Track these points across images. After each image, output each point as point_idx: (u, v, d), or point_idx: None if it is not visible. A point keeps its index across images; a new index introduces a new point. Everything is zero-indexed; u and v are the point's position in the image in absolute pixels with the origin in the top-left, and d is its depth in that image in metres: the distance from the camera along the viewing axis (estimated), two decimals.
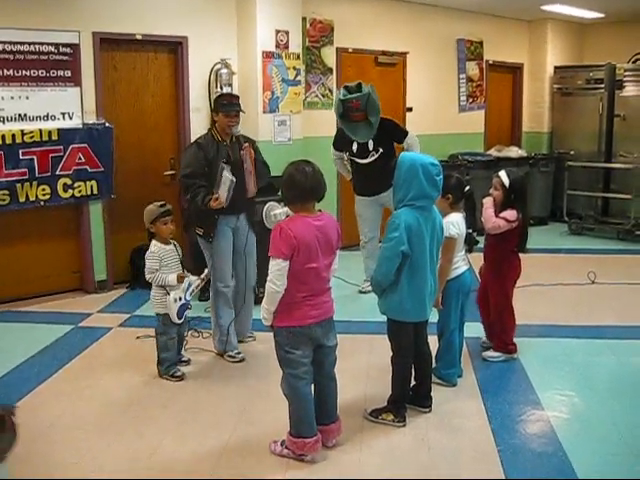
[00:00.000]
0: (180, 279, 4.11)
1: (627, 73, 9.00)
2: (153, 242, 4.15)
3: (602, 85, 9.22)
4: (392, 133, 5.79)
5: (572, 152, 9.57)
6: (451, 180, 3.88)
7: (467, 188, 4.01)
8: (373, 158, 5.70)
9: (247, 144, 4.44)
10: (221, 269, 4.45)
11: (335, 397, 3.34)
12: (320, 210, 3.21)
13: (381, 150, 5.68)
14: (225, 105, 4.37)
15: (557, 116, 9.97)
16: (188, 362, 4.38)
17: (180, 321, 4.14)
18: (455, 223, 3.91)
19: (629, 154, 8.99)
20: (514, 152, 9.36)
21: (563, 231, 9.02)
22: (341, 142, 5.91)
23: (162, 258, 4.09)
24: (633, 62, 9.42)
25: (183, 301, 4.13)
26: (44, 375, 4.20)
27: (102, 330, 5.07)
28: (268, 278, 3.06)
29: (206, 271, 4.33)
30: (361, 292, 6.06)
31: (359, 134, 5.56)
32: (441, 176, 3.41)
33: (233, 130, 4.41)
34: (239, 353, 4.49)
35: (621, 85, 9.04)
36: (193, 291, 4.21)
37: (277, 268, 3.02)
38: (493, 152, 9.35)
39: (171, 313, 4.09)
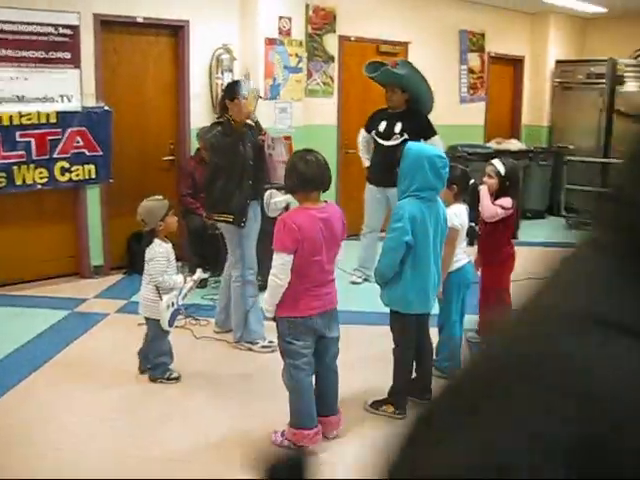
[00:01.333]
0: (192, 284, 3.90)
1: (628, 69, 8.99)
2: (157, 242, 3.79)
3: (603, 80, 9.18)
4: (422, 127, 5.79)
5: (571, 146, 9.55)
6: (457, 171, 3.84)
7: (472, 181, 3.98)
8: (396, 142, 5.66)
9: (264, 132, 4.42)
10: (251, 255, 4.36)
11: (336, 389, 3.31)
12: (326, 201, 3.17)
13: (405, 136, 5.66)
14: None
15: (557, 110, 9.94)
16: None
17: (171, 329, 3.85)
18: (458, 214, 3.88)
19: None
20: (514, 145, 9.33)
21: (561, 225, 9.01)
22: (372, 120, 5.92)
23: (169, 258, 3.81)
24: (634, 58, 9.40)
25: (176, 306, 3.84)
26: (39, 361, 4.14)
27: (99, 316, 5.02)
28: (271, 272, 3.02)
29: (198, 272, 4.06)
30: (353, 283, 6.00)
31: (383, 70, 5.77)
32: (447, 169, 3.37)
33: (252, 116, 4.35)
34: (272, 342, 4.19)
35: (622, 81, 9.03)
36: (186, 295, 3.94)
37: (281, 262, 2.98)
38: (493, 144, 9.30)
39: (162, 320, 3.75)
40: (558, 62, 9.83)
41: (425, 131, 5.80)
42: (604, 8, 9.11)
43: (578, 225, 8.92)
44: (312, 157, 3.09)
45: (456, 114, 9.11)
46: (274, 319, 3.16)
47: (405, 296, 3.40)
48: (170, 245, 3.87)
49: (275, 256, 3.01)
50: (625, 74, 8.98)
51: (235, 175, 4.19)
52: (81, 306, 5.26)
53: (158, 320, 3.79)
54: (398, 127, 5.72)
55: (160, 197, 3.91)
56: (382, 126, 5.78)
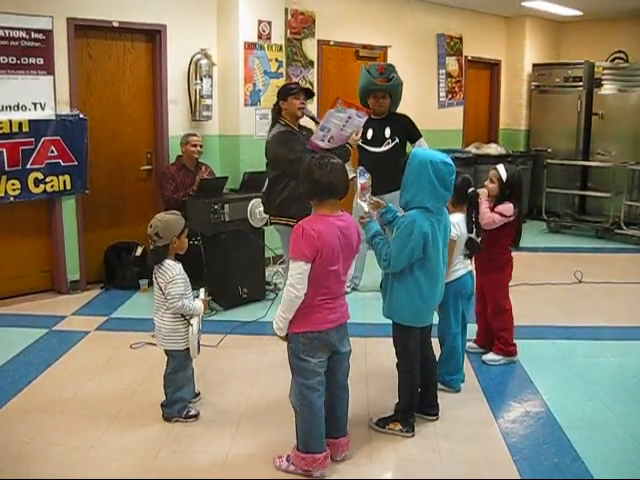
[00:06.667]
0: (205, 305, 3.49)
1: (605, 71, 8.98)
2: (171, 263, 3.37)
3: (580, 83, 9.20)
4: (409, 129, 5.72)
5: (549, 149, 9.55)
6: (456, 178, 3.66)
7: (471, 189, 3.82)
8: (388, 147, 5.58)
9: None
10: None
11: (346, 409, 3.12)
12: (342, 210, 2.99)
13: (397, 141, 5.58)
14: (293, 89, 4.47)
15: (535, 113, 9.93)
16: (199, 394, 3.74)
17: (198, 355, 3.49)
18: (455, 224, 3.70)
19: (607, 152, 8.99)
20: (493, 149, 9.28)
21: (542, 229, 8.99)
22: None
23: (186, 281, 3.40)
24: (611, 60, 9.43)
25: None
26: (19, 385, 3.89)
27: (79, 334, 4.77)
28: (288, 282, 2.81)
29: (202, 294, 3.57)
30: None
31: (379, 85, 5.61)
32: (454, 176, 3.23)
33: (305, 111, 4.45)
34: None
35: (599, 83, 9.03)
36: (202, 319, 3.54)
37: (299, 272, 2.78)
38: (472, 149, 9.25)
39: (193, 347, 3.39)
40: (535, 65, 9.81)
41: (412, 133, 5.73)
42: (580, 11, 9.12)
43: (559, 228, 8.90)
44: (328, 163, 2.90)
45: (434, 119, 9.02)
46: (286, 337, 2.96)
47: (413, 309, 3.25)
48: (181, 266, 3.43)
49: (292, 265, 2.81)
50: (602, 77, 8.98)
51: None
52: (60, 324, 5.00)
53: (181, 350, 3.42)
54: (388, 132, 5.62)
55: (177, 212, 3.53)
56: (369, 134, 5.65)
